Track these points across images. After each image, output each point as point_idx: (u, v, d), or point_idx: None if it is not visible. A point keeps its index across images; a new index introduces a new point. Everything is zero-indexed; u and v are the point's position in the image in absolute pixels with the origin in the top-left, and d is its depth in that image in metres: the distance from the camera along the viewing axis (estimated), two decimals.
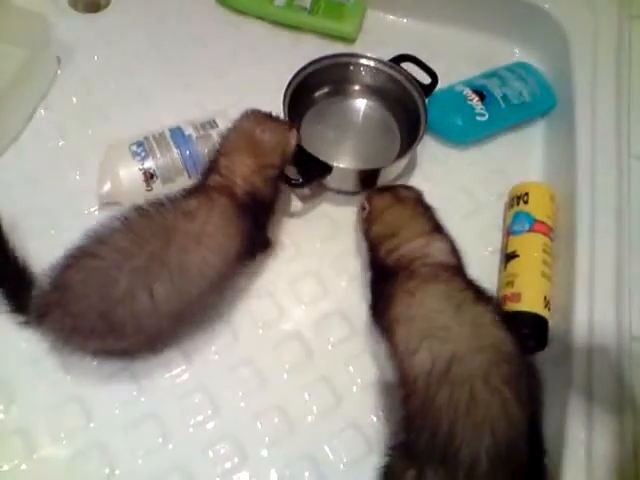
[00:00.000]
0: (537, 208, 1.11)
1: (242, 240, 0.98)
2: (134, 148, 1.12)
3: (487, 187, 1.24)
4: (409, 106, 1.23)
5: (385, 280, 0.97)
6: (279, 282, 1.11)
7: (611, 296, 0.98)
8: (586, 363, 0.92)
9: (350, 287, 1.11)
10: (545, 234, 1.09)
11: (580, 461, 0.85)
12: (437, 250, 0.96)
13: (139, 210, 0.94)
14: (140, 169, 1.10)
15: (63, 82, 1.31)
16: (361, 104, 1.31)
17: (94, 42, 1.37)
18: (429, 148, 1.27)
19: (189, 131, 1.14)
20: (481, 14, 1.42)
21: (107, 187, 1.11)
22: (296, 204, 1.19)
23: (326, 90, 1.30)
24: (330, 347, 1.05)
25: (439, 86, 1.23)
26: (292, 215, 1.18)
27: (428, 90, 1.22)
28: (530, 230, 1.09)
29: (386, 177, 1.18)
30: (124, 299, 0.88)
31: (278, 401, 0.99)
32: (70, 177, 1.19)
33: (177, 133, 1.14)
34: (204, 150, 1.11)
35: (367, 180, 1.17)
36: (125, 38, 1.39)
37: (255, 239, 1.03)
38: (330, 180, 1.16)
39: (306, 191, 1.20)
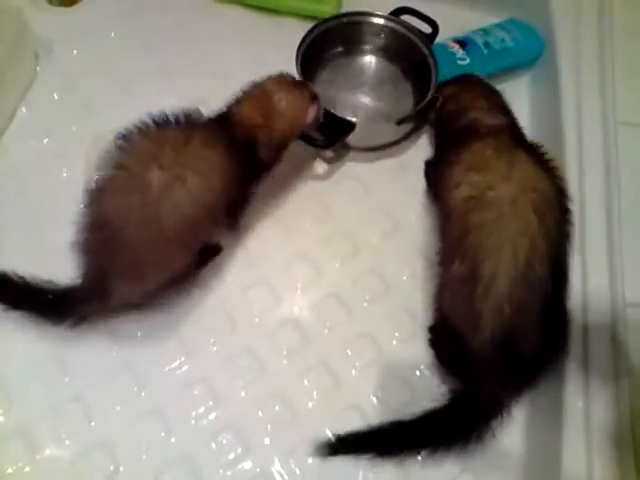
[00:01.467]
0: None
1: (224, 186, 0.95)
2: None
3: None
4: (415, 57, 1.26)
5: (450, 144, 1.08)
6: (273, 267, 1.10)
7: (603, 263, 0.99)
8: (581, 331, 0.93)
9: (344, 269, 1.11)
10: None
11: (579, 428, 0.87)
12: (492, 117, 1.07)
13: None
14: None
15: (43, 78, 1.30)
16: (370, 60, 1.34)
17: (72, 36, 1.36)
18: None
19: None
20: None
21: None
22: (290, 184, 1.19)
23: (337, 50, 1.34)
24: (327, 331, 1.05)
25: None
26: (281, 195, 1.18)
27: (431, 39, 1.26)
28: None
29: (403, 129, 1.22)
30: (163, 194, 0.87)
31: (278, 389, 1.00)
32: (57, 174, 1.18)
33: None
34: None
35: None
36: (103, 30, 1.38)
37: (236, 195, 1.02)
38: (352, 138, 1.17)
39: (329, 153, 1.22)
